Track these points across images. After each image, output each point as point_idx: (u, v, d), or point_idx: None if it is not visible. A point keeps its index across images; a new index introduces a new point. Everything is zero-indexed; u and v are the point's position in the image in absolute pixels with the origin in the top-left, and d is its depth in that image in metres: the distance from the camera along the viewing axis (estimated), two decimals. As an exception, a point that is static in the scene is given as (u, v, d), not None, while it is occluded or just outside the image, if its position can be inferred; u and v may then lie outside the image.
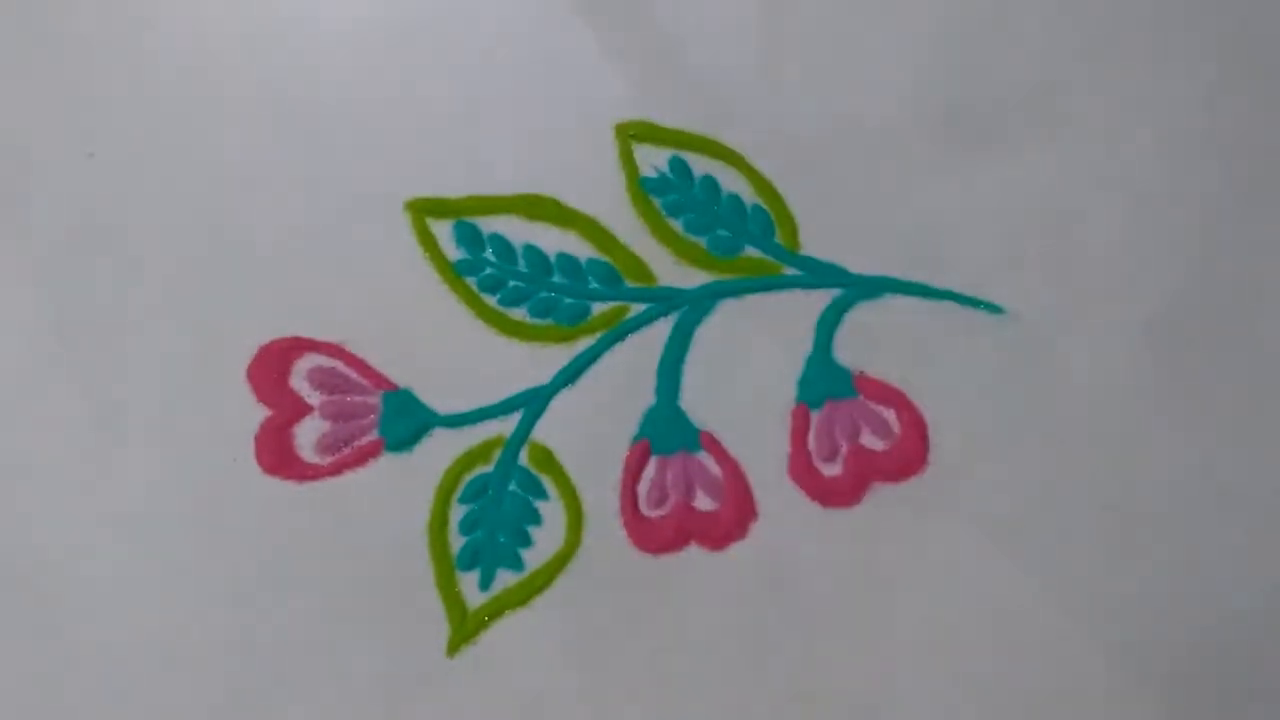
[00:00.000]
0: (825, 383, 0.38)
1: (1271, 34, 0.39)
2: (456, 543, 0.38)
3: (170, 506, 0.37)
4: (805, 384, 0.38)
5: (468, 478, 0.38)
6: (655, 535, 0.38)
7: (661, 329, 0.38)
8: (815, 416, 0.38)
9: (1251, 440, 0.38)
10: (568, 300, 0.38)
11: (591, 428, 0.38)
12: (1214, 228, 0.38)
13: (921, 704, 0.38)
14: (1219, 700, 0.38)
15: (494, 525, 0.38)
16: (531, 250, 0.38)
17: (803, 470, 0.38)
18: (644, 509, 0.38)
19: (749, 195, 0.38)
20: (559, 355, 0.38)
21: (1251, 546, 0.38)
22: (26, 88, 0.38)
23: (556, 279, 0.38)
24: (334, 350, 0.38)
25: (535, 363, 0.38)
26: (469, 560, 0.38)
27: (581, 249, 0.38)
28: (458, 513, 0.38)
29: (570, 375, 0.38)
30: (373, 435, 0.38)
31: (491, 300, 0.38)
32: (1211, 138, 0.38)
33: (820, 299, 0.38)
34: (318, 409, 0.38)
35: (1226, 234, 0.38)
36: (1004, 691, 0.38)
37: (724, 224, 0.38)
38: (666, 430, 0.38)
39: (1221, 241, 0.38)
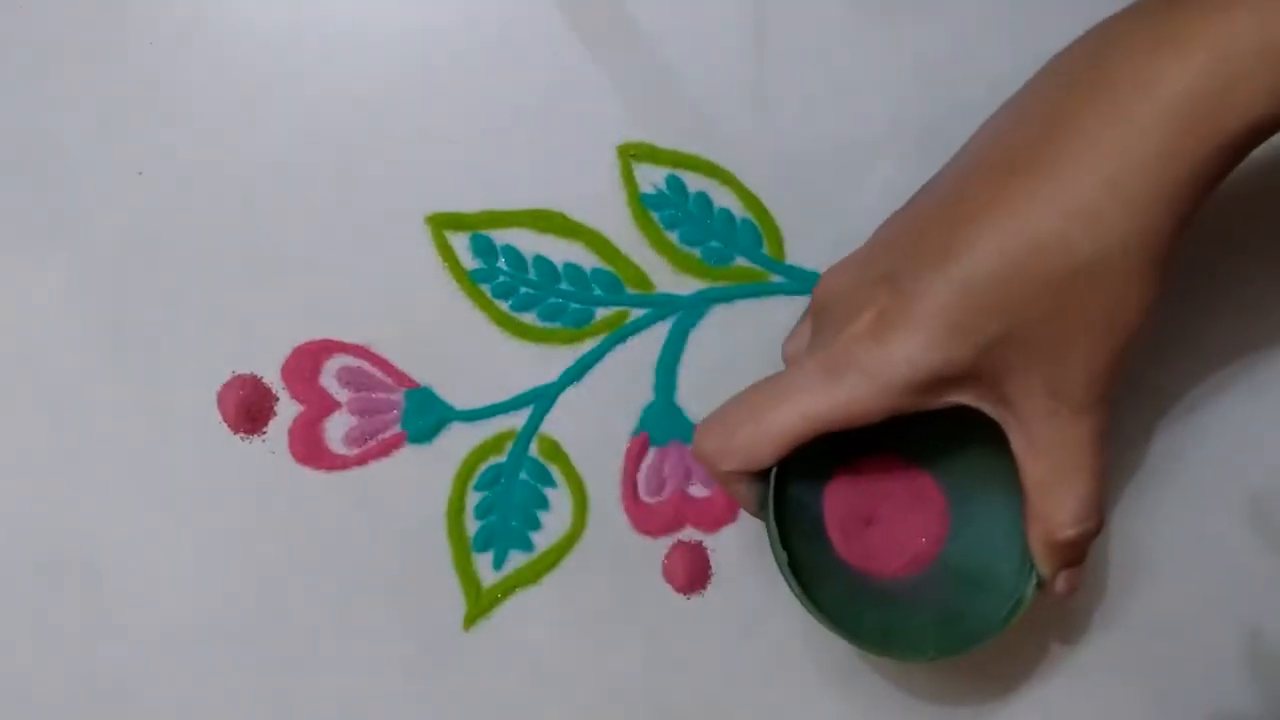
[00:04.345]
0: (811, 381, 0.39)
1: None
2: (472, 526, 0.39)
3: (212, 494, 0.38)
4: (792, 382, 0.39)
5: (482, 467, 0.39)
6: (653, 519, 0.39)
7: (659, 332, 0.39)
8: (802, 412, 0.39)
9: (1190, 420, 0.40)
10: (574, 305, 0.39)
11: (595, 422, 0.39)
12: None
13: (892, 669, 0.39)
14: (1144, 645, 0.40)
15: (506, 510, 0.39)
16: (541, 260, 0.39)
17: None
18: (643, 495, 0.39)
19: (739, 210, 0.39)
20: (565, 355, 0.39)
21: (1178, 517, 0.40)
22: (83, 115, 0.38)
23: (563, 286, 0.39)
24: (360, 351, 0.39)
25: (543, 362, 0.39)
26: (484, 542, 0.39)
27: (586, 259, 0.39)
28: (473, 499, 0.39)
29: (576, 374, 0.39)
30: (396, 429, 0.39)
31: (504, 305, 0.39)
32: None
33: (803, 304, 0.38)
34: (346, 405, 0.39)
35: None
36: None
37: (716, 236, 0.39)
38: (664, 424, 0.39)
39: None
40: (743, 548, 0.39)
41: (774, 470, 0.33)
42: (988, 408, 0.32)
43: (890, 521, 0.36)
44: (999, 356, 0.30)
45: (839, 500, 0.36)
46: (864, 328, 0.31)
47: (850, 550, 0.36)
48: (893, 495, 0.36)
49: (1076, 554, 0.33)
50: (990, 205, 0.30)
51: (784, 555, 0.33)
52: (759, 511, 0.34)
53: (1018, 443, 0.32)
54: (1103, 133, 0.29)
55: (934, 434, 0.34)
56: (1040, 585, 0.33)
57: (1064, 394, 0.31)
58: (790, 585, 0.33)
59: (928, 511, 0.36)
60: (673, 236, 0.39)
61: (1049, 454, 0.31)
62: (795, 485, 0.34)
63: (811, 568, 0.34)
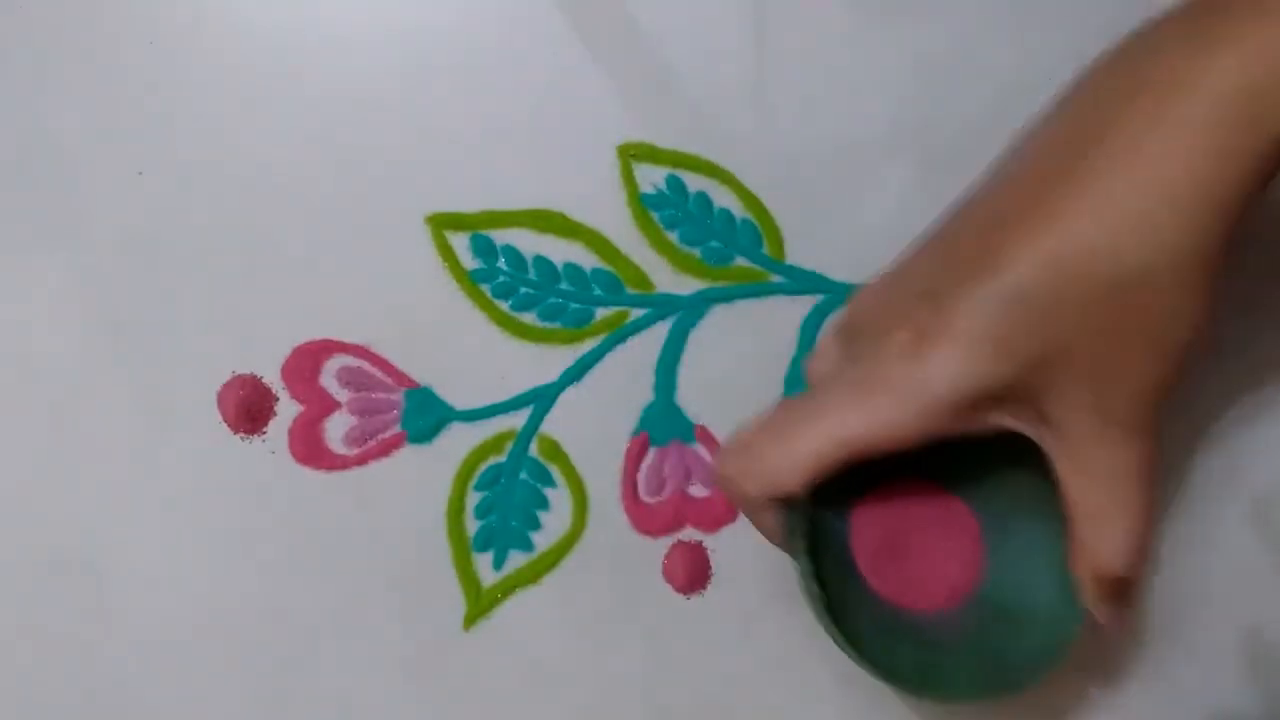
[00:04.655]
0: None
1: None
2: (472, 526, 0.39)
3: (212, 494, 0.38)
4: (791, 381, 0.39)
5: (482, 467, 0.39)
6: (653, 519, 0.39)
7: (659, 331, 0.39)
8: (802, 412, 0.39)
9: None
10: (574, 305, 0.39)
11: (595, 422, 0.39)
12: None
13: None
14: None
15: (506, 510, 0.39)
16: (541, 260, 0.39)
17: (791, 461, 0.39)
18: (643, 495, 0.39)
19: (739, 210, 0.39)
20: (565, 356, 0.39)
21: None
22: (83, 115, 0.38)
23: (563, 286, 0.39)
24: (360, 351, 0.39)
25: (543, 362, 0.39)
26: (484, 542, 0.39)
27: (586, 259, 0.39)
28: (473, 499, 0.39)
29: (576, 374, 0.39)
30: (396, 429, 0.39)
31: (504, 305, 0.39)
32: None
33: (804, 304, 0.39)
34: (346, 405, 0.39)
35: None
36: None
37: (716, 236, 0.39)
38: (664, 424, 0.39)
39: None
40: (743, 548, 0.39)
41: (807, 498, 0.30)
42: (1030, 430, 0.30)
43: (922, 552, 0.34)
44: (1044, 374, 0.29)
45: (866, 529, 0.33)
46: (901, 345, 0.29)
47: (882, 583, 0.33)
48: (923, 523, 0.34)
49: (1126, 591, 0.31)
50: (1030, 219, 0.29)
51: (820, 593, 0.30)
52: (785, 543, 0.32)
53: (1062, 466, 0.30)
54: (1145, 136, 0.28)
55: (965, 456, 0.32)
56: (1084, 620, 0.31)
57: (1113, 414, 0.29)
58: (826, 627, 0.31)
59: (961, 540, 0.34)
60: (673, 236, 0.39)
61: (1096, 477, 0.30)
62: (821, 513, 0.32)
63: (843, 603, 0.31)
